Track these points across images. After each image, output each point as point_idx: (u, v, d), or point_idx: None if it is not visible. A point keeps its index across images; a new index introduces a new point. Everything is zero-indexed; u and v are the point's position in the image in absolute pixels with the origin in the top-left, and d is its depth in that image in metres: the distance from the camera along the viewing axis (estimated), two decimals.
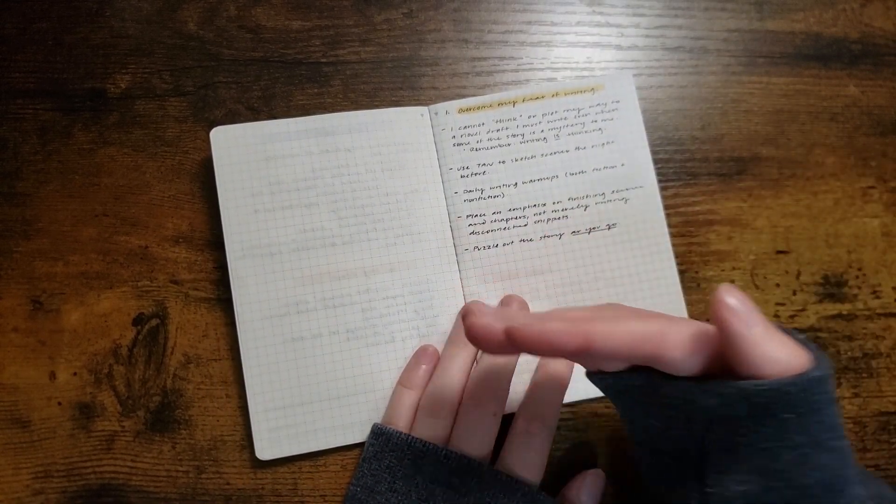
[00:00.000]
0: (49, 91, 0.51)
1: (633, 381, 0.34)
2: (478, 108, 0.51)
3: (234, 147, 0.48)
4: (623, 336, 0.30)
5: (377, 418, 0.45)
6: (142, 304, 0.47)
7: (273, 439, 0.45)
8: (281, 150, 0.48)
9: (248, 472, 0.46)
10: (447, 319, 0.47)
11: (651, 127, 0.52)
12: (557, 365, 0.46)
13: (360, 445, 0.45)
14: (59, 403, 0.45)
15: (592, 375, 0.36)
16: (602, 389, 0.37)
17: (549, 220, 0.50)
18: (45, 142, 0.49)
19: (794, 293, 0.51)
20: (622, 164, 0.51)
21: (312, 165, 0.48)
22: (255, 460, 0.45)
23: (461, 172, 0.50)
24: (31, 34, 0.52)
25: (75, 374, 0.46)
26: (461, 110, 0.51)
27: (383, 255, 0.48)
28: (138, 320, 0.47)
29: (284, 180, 0.48)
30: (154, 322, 0.47)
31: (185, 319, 0.47)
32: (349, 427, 0.45)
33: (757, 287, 0.51)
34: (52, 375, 0.46)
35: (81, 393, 0.46)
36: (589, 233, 0.49)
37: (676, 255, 0.50)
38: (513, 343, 0.30)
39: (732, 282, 0.50)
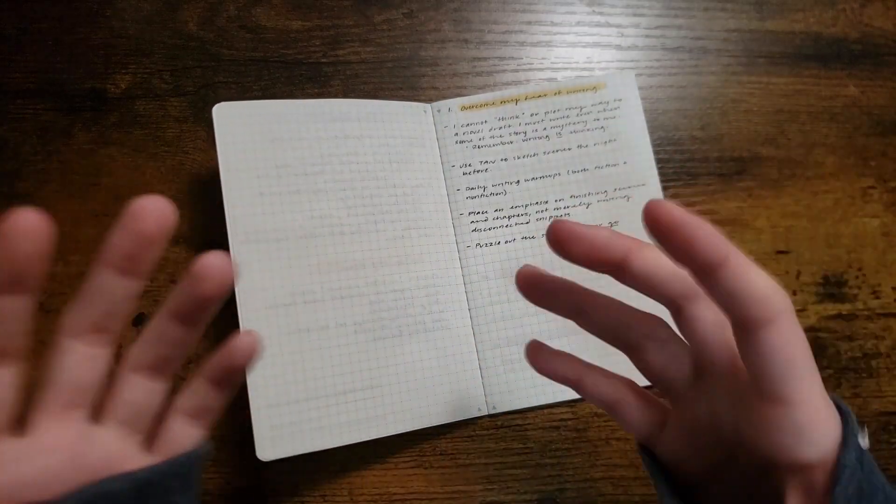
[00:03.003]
0: (49, 91, 0.51)
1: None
2: (480, 105, 0.51)
3: (239, 125, 0.47)
4: (666, 268, 0.28)
5: (383, 415, 0.45)
6: (142, 304, 0.47)
7: (275, 437, 0.44)
8: (288, 132, 0.48)
9: (248, 472, 0.45)
10: (452, 315, 0.47)
11: (651, 127, 0.52)
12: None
13: (363, 444, 0.45)
14: None
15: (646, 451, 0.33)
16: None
17: (551, 217, 0.50)
18: (45, 142, 0.49)
19: (794, 293, 0.51)
20: (624, 163, 0.51)
21: (321, 150, 0.48)
22: (256, 460, 0.44)
23: (463, 170, 0.50)
24: (31, 34, 0.51)
25: None
26: (464, 108, 0.51)
27: (391, 247, 0.47)
28: (138, 320, 0.47)
29: (291, 163, 0.47)
30: None
31: None
32: (354, 425, 0.44)
33: None
34: None
35: None
36: None
37: None
38: (559, 235, 0.28)
39: None
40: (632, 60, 0.55)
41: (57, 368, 0.29)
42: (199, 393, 0.32)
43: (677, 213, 0.25)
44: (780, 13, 0.56)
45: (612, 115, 0.52)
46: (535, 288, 0.33)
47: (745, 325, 0.26)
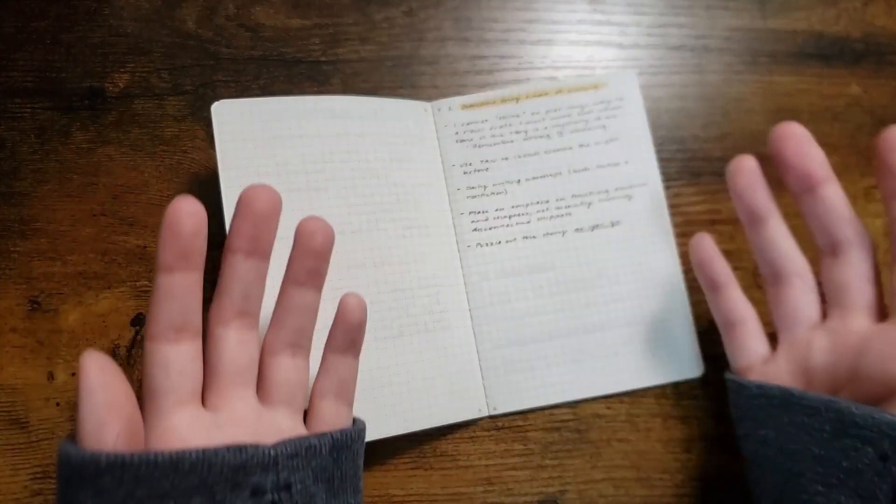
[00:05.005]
0: (47, 90, 0.50)
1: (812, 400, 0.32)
2: (481, 104, 0.51)
3: (238, 123, 0.46)
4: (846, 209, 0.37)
5: (383, 416, 0.44)
6: (140, 305, 0.47)
7: None
8: (288, 130, 0.47)
9: None
10: (452, 315, 0.47)
11: (653, 126, 0.52)
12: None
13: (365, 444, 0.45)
14: (58, 404, 0.45)
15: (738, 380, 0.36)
16: (746, 401, 0.36)
17: (552, 217, 0.49)
18: (43, 141, 0.49)
19: None
20: (626, 162, 0.50)
21: (321, 148, 0.47)
22: None
23: (464, 169, 0.50)
24: (28, 33, 0.51)
25: (74, 374, 0.46)
26: (464, 107, 0.51)
27: (392, 246, 0.47)
28: (137, 320, 0.47)
29: (291, 161, 0.46)
30: None
31: None
32: None
33: (759, 287, 0.50)
34: (51, 376, 0.45)
35: None
36: (592, 230, 0.49)
37: (679, 255, 0.49)
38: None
39: None
40: (633, 59, 0.54)
41: (217, 354, 0.33)
42: (333, 368, 0.36)
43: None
44: (782, 12, 0.56)
45: (613, 114, 0.51)
46: (750, 174, 0.38)
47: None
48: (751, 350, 0.38)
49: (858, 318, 0.34)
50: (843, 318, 0.35)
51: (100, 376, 0.26)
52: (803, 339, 0.36)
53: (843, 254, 0.36)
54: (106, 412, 0.26)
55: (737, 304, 0.40)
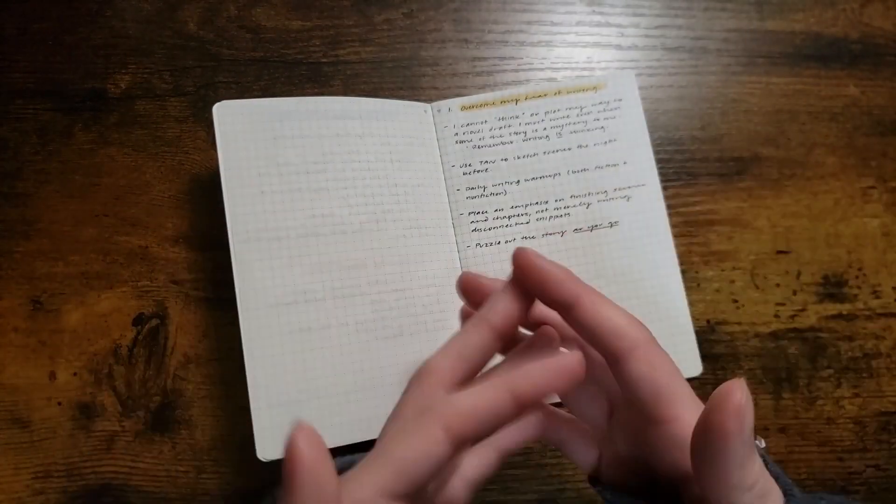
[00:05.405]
0: (49, 91, 0.51)
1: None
2: (480, 105, 0.51)
3: (240, 123, 0.46)
4: (607, 317, 0.29)
5: (383, 415, 0.44)
6: (142, 304, 0.47)
7: (275, 437, 0.43)
8: (290, 130, 0.47)
9: (248, 472, 0.45)
10: (452, 315, 0.47)
11: (651, 127, 0.52)
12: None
13: (363, 444, 0.45)
14: (60, 403, 0.45)
15: (598, 484, 0.35)
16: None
17: (551, 217, 0.50)
18: (45, 142, 0.49)
19: (794, 293, 0.51)
20: (624, 163, 0.51)
21: (322, 149, 0.47)
22: (256, 460, 0.44)
23: (463, 170, 0.50)
24: (31, 35, 0.51)
25: (75, 374, 0.46)
26: (464, 108, 0.51)
27: (393, 246, 0.47)
28: (138, 320, 0.47)
29: (293, 161, 0.47)
30: (154, 322, 0.47)
31: (185, 319, 0.47)
32: (354, 424, 0.44)
33: (757, 287, 0.51)
34: (53, 375, 0.46)
35: (81, 393, 0.46)
36: (591, 230, 0.49)
37: (677, 255, 0.50)
38: (516, 267, 0.30)
39: (732, 282, 0.51)
40: (632, 60, 0.55)
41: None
42: (485, 463, 0.34)
43: (534, 258, 0.29)
44: (780, 13, 0.56)
45: (612, 115, 0.51)
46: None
47: (610, 359, 0.29)
48: (586, 458, 0.37)
49: (634, 413, 0.33)
50: (627, 412, 0.34)
51: (314, 456, 0.25)
52: (609, 436, 0.35)
53: (612, 360, 0.32)
54: (319, 494, 0.25)
55: (561, 422, 0.38)
